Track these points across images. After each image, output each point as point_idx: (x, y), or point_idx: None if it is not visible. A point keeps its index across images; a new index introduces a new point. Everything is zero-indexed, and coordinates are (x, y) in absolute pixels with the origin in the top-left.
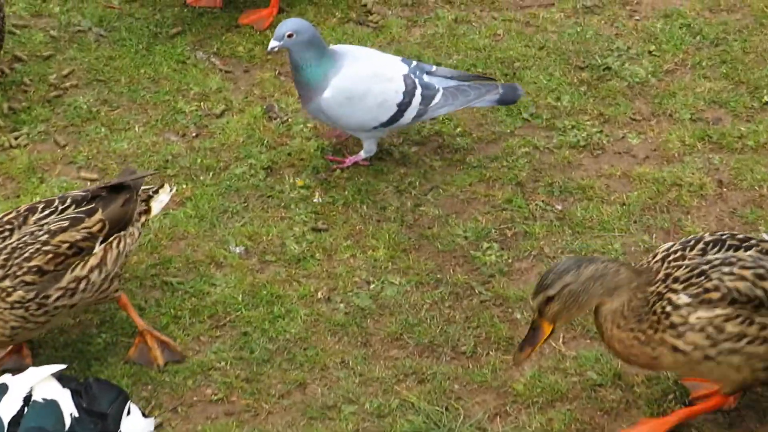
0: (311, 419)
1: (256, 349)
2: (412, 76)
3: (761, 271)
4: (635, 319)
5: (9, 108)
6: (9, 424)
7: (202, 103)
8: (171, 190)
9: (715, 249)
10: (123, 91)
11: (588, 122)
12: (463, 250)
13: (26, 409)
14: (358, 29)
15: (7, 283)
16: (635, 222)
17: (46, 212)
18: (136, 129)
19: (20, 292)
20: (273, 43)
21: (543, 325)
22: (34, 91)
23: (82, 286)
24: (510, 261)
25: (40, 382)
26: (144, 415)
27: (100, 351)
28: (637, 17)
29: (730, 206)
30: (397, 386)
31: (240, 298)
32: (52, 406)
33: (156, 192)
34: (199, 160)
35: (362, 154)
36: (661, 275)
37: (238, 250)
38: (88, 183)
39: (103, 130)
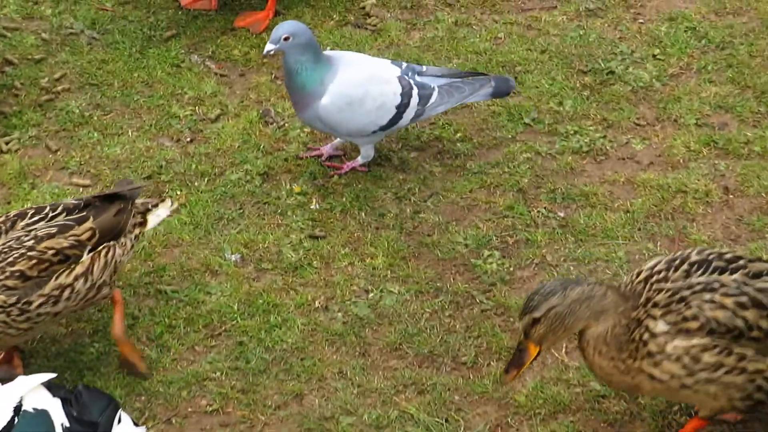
0: (308, 431)
1: (252, 360)
2: (406, 77)
3: (743, 299)
4: (616, 347)
5: None
6: None
7: (196, 108)
8: (172, 206)
9: (700, 271)
10: (116, 96)
11: (591, 127)
12: (463, 258)
13: (17, 419)
14: (356, 32)
15: None
16: (639, 229)
17: (36, 218)
18: (130, 134)
19: (1, 297)
20: (269, 46)
21: (529, 347)
22: (26, 95)
23: (66, 294)
24: (511, 269)
25: (30, 391)
26: (135, 424)
27: (92, 361)
28: (641, 20)
29: (736, 213)
30: (396, 397)
31: (236, 307)
32: (43, 416)
33: (156, 206)
34: (193, 166)
35: (360, 159)
36: (642, 299)
37: (233, 257)
38: (81, 189)
39: (95, 135)
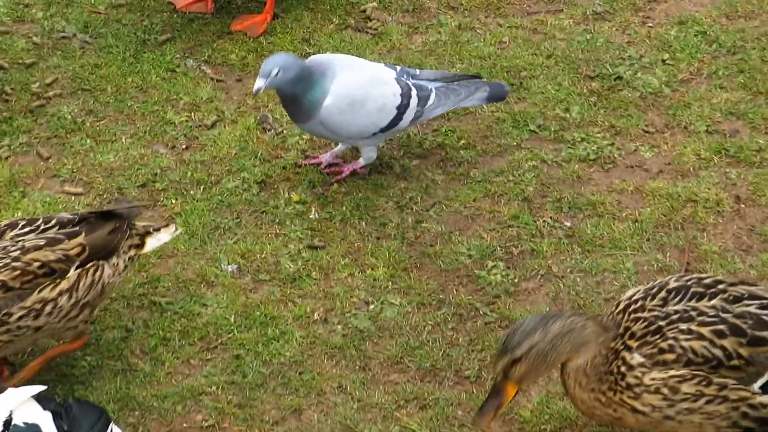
0: None
1: (249, 373)
2: (402, 79)
3: (721, 327)
4: (596, 379)
5: None
6: None
7: (192, 114)
8: (175, 231)
9: (677, 298)
10: (109, 101)
11: (598, 134)
12: (466, 269)
13: None
14: (357, 36)
15: None
16: (648, 240)
17: (26, 229)
18: (123, 141)
19: None
20: (259, 83)
21: (507, 387)
22: (16, 100)
23: (48, 308)
24: (516, 281)
25: (21, 404)
26: None
27: (84, 374)
28: (650, 24)
29: (748, 223)
30: (398, 412)
31: (232, 319)
32: (34, 429)
33: (158, 229)
34: (189, 174)
35: (361, 161)
36: (621, 329)
37: (230, 268)
38: (73, 197)
39: (88, 141)
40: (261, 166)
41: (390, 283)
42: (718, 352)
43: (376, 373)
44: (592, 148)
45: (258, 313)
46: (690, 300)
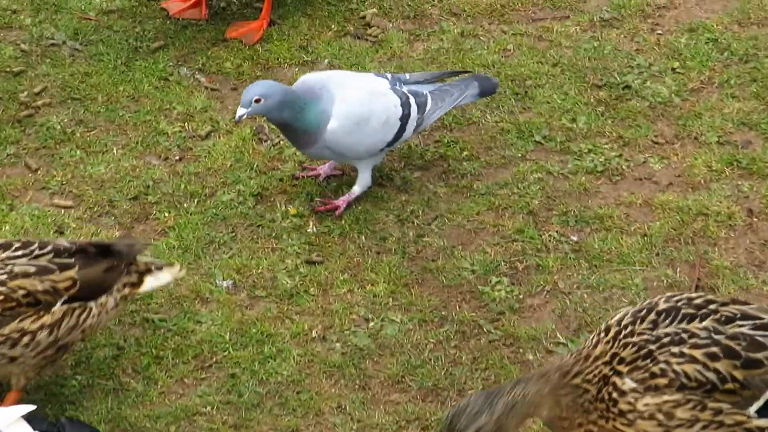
0: None
1: (245, 393)
2: (396, 87)
3: (714, 349)
4: (580, 413)
5: None
6: None
7: (186, 124)
8: (179, 272)
9: (668, 321)
10: (100, 111)
11: (606, 146)
12: (470, 285)
13: None
14: (356, 43)
15: None
16: (657, 254)
17: (19, 253)
18: (115, 152)
19: None
20: (240, 111)
21: None
22: (3, 110)
23: (25, 340)
24: (521, 297)
25: (10, 424)
26: None
27: (75, 394)
28: (660, 31)
29: (761, 237)
30: None
31: (227, 337)
32: None
33: (160, 268)
34: (182, 186)
35: (356, 189)
36: (607, 356)
37: (225, 284)
38: (62, 210)
39: (78, 152)
40: (257, 178)
41: (390, 300)
42: (711, 376)
43: (376, 392)
44: (600, 159)
45: (254, 330)
46: (681, 322)
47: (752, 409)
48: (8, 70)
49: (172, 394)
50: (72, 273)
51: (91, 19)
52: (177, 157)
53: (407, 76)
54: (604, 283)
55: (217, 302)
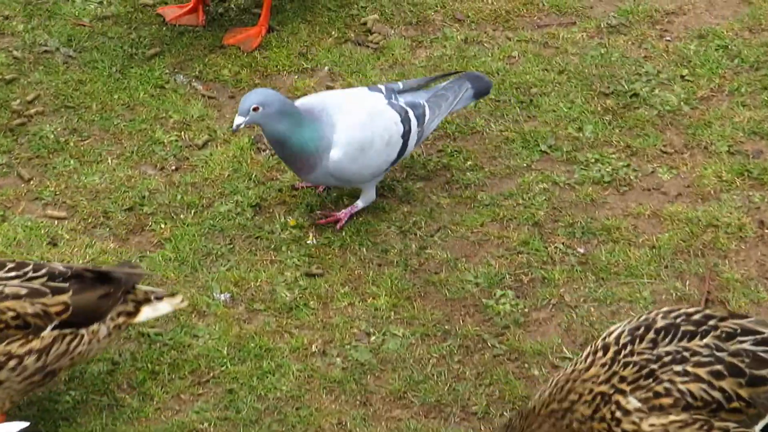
0: None
1: (243, 409)
2: (393, 100)
3: (718, 367)
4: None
5: None
6: None
7: (182, 133)
8: (180, 303)
9: (667, 339)
10: (94, 119)
11: (613, 155)
12: (473, 298)
13: None
14: (357, 50)
15: None
16: (666, 267)
17: (12, 273)
18: (109, 161)
19: None
20: (238, 120)
21: None
22: None
23: (11, 364)
24: (526, 310)
25: None
26: None
27: (68, 410)
28: (668, 38)
29: None
30: None
31: (225, 352)
32: None
33: (160, 298)
34: (179, 197)
35: (360, 203)
36: (604, 375)
37: (222, 297)
38: (55, 221)
39: (71, 162)
40: (255, 188)
41: (392, 313)
42: (717, 395)
43: (377, 408)
44: (607, 169)
45: (252, 344)
46: (681, 340)
47: (758, 428)
48: (0, 77)
49: (168, 411)
50: (65, 297)
51: (85, 26)
52: (173, 167)
53: (400, 84)
54: (612, 297)
55: (214, 316)
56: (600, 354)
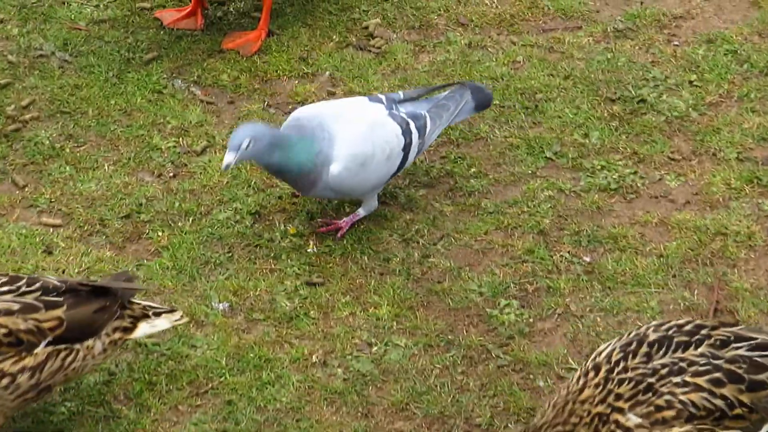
0: None
1: (242, 421)
2: (393, 111)
3: (717, 375)
4: None
5: None
6: None
7: (180, 139)
8: (179, 319)
9: (662, 351)
10: (91, 125)
11: (620, 162)
12: (477, 308)
13: None
14: (359, 55)
15: None
16: (674, 276)
17: (5, 289)
18: (106, 168)
19: None
20: (228, 158)
21: None
22: None
23: (4, 382)
24: (531, 320)
25: None
26: None
27: (63, 422)
28: (676, 42)
29: None
30: None
31: (224, 362)
32: None
33: (158, 314)
34: (177, 204)
35: (361, 211)
36: (599, 396)
37: (221, 306)
38: (51, 229)
39: (67, 169)
40: (255, 195)
41: (395, 323)
42: (719, 402)
43: (379, 420)
44: (614, 176)
45: (251, 355)
46: (675, 351)
47: None
48: None
49: (165, 422)
50: (59, 312)
51: (81, 29)
52: (171, 174)
53: (401, 94)
54: (618, 306)
55: (212, 326)
56: (591, 375)
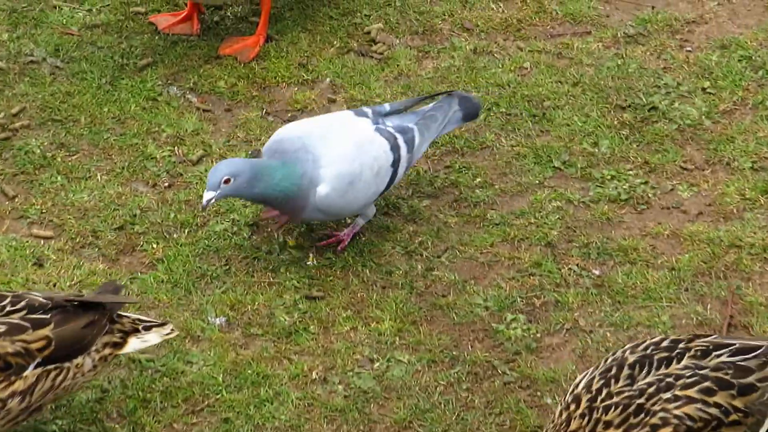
0: None
1: None
2: (380, 125)
3: (707, 384)
4: None
5: None
6: None
7: (176, 148)
8: (169, 333)
9: (644, 371)
10: (83, 133)
11: (630, 172)
12: (483, 323)
13: None
14: (360, 61)
15: None
16: (686, 290)
17: None
18: (99, 178)
19: None
20: (208, 195)
21: None
22: None
23: None
24: (539, 335)
25: None
26: None
27: None
28: (689, 48)
29: None
30: None
31: (220, 378)
32: None
33: (149, 328)
34: (172, 215)
35: (359, 221)
36: (587, 428)
37: (218, 321)
38: (42, 241)
39: (59, 178)
40: (252, 206)
41: (397, 339)
42: (714, 411)
43: None
44: (624, 187)
45: (249, 371)
46: (659, 368)
47: None
48: None
49: None
50: (46, 331)
51: (73, 35)
52: (166, 184)
53: (387, 107)
54: (629, 321)
55: (209, 341)
56: (573, 407)
